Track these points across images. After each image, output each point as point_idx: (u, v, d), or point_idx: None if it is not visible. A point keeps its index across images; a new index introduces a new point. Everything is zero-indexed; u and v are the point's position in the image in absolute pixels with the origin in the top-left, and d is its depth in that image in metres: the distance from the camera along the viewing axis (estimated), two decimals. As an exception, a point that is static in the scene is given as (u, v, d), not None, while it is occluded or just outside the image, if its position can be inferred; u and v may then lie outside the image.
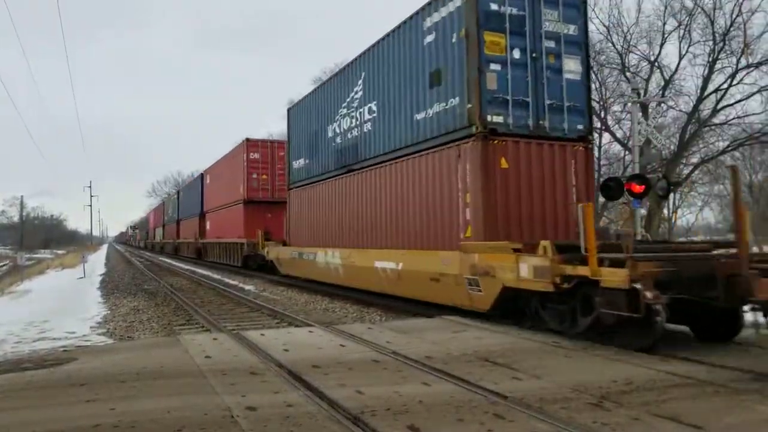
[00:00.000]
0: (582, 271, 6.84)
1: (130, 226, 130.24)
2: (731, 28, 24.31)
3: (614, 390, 5.04)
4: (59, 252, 74.07)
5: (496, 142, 9.44)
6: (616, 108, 29.06)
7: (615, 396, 4.86)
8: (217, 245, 30.80)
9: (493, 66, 9.58)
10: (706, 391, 5.00)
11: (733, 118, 25.51)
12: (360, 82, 13.71)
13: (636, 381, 5.31)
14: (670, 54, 33.91)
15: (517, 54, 9.72)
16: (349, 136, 14.27)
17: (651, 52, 27.42)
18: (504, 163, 9.43)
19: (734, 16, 23.97)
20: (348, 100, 14.40)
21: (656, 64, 27.29)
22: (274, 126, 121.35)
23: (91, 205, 66.39)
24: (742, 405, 4.63)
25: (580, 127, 10.20)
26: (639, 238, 11.45)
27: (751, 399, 4.77)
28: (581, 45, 10.35)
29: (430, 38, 10.79)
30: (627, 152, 26.47)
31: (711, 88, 25.60)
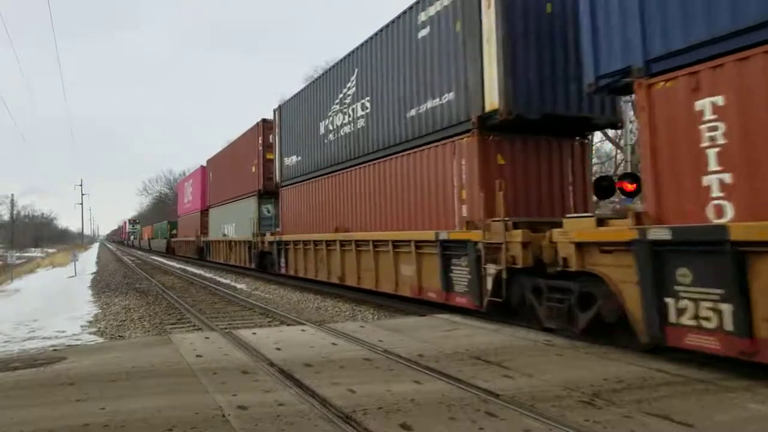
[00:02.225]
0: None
1: (129, 220, 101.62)
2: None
3: (606, 388, 5.06)
4: (50, 250, 73.63)
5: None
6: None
7: (606, 394, 4.87)
8: None
9: None
10: (696, 389, 5.03)
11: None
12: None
13: (627, 379, 5.33)
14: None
15: None
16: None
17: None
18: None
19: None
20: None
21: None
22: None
23: (81, 204, 65.96)
24: (733, 403, 4.66)
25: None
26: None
27: (741, 397, 4.79)
28: None
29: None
30: (619, 151, 26.54)
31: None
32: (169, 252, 46.26)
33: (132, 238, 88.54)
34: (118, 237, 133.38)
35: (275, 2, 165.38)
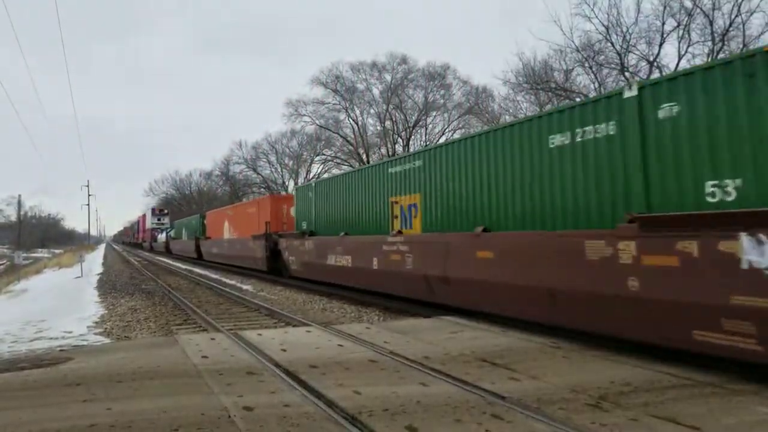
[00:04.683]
0: None
1: (155, 210, 68.30)
2: (730, 29, 24.37)
3: (612, 391, 5.04)
4: (56, 251, 73.99)
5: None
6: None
7: (613, 397, 4.85)
8: None
9: None
10: (703, 392, 5.00)
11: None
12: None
13: (634, 382, 5.31)
14: (669, 54, 33.94)
15: None
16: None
17: (650, 52, 27.41)
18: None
19: (733, 16, 24.01)
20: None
21: (655, 64, 27.32)
22: (272, 128, 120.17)
23: (88, 204, 66.34)
24: (740, 406, 4.63)
25: None
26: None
27: (748, 400, 4.76)
28: None
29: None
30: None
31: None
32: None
33: (163, 237, 53.36)
34: (130, 238, 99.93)
35: (280, 7, 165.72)
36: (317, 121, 52.71)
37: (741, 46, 23.93)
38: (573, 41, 28.98)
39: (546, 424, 4.21)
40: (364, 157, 48.48)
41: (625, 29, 27.27)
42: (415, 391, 5.14)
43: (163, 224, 60.44)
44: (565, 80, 30.36)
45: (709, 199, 5.86)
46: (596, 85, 29.12)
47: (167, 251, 49.40)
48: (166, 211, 67.07)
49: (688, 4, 25.28)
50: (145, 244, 67.34)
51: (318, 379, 5.62)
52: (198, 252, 34.45)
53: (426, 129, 49.17)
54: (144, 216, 74.02)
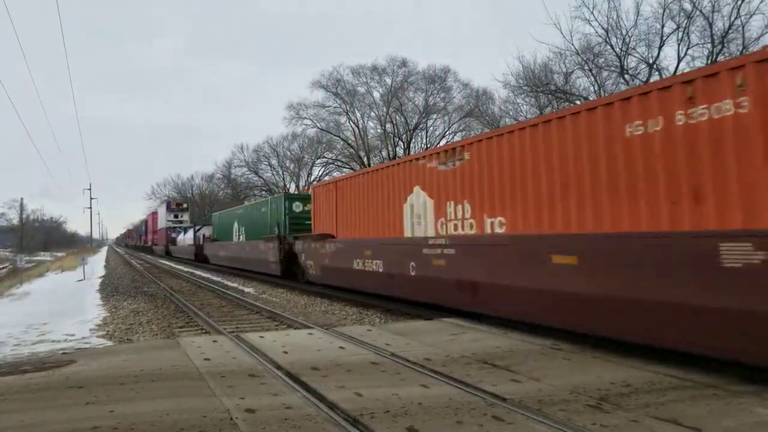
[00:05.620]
0: None
1: (172, 204, 52.92)
2: (730, 31, 24.42)
3: (613, 392, 5.05)
4: (59, 254, 74.05)
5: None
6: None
7: (614, 398, 4.87)
8: None
9: None
10: (704, 394, 5.01)
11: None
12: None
13: (635, 383, 5.32)
14: (668, 56, 33.97)
15: None
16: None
17: (650, 55, 27.48)
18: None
19: (733, 18, 24.09)
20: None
21: (655, 66, 27.37)
22: (273, 131, 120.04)
23: (90, 208, 66.42)
24: (740, 407, 4.64)
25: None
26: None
27: (748, 401, 4.77)
28: None
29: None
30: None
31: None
32: None
33: (189, 239, 38.88)
34: (135, 240, 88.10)
35: (280, 11, 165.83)
36: (318, 124, 52.81)
37: (740, 47, 23.97)
38: (573, 44, 29.11)
39: (547, 425, 4.22)
40: (365, 159, 48.54)
41: (624, 32, 27.37)
42: (416, 392, 5.16)
43: (182, 222, 47.86)
44: (565, 83, 30.42)
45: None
46: (596, 87, 29.18)
47: (198, 260, 33.07)
48: (185, 206, 52.21)
49: (688, 6, 25.35)
50: (157, 247, 52.96)
51: (319, 381, 5.64)
52: (284, 265, 18.27)
53: (426, 132, 49.28)
54: (154, 213, 59.59)
